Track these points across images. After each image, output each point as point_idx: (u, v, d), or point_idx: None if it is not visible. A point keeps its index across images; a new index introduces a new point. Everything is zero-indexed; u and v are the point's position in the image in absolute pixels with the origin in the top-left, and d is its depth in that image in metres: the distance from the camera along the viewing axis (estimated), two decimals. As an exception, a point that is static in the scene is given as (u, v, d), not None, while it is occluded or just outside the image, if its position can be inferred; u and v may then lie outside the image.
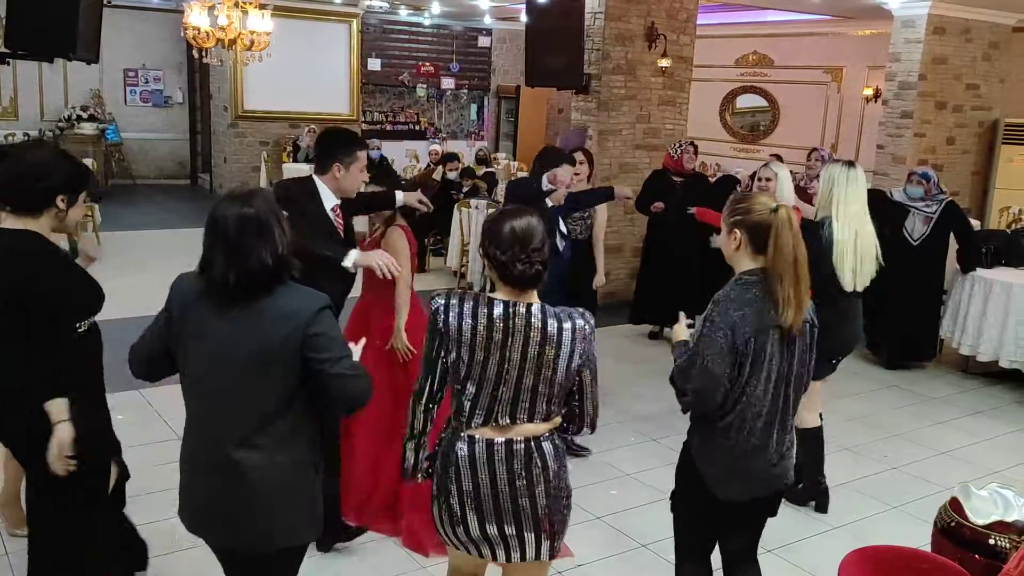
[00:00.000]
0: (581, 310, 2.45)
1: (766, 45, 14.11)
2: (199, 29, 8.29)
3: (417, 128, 16.25)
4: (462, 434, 2.40)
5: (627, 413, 5.57)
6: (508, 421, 2.38)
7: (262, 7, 8.68)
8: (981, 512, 3.02)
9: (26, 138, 12.79)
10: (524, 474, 2.38)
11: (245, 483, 2.26)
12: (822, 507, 4.34)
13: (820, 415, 4.32)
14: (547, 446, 2.41)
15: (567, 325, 2.36)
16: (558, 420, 2.47)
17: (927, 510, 4.01)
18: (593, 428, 2.52)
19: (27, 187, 2.65)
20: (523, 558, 2.45)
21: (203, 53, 8.77)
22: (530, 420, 2.39)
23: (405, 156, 12.98)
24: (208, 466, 2.30)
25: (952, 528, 3.06)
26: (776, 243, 2.53)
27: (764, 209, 2.58)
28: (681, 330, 2.86)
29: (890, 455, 5.14)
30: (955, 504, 3.12)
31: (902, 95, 9.59)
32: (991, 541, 2.94)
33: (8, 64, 5.54)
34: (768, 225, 2.55)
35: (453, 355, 2.35)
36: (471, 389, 2.36)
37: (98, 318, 3.46)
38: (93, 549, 2.92)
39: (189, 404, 2.36)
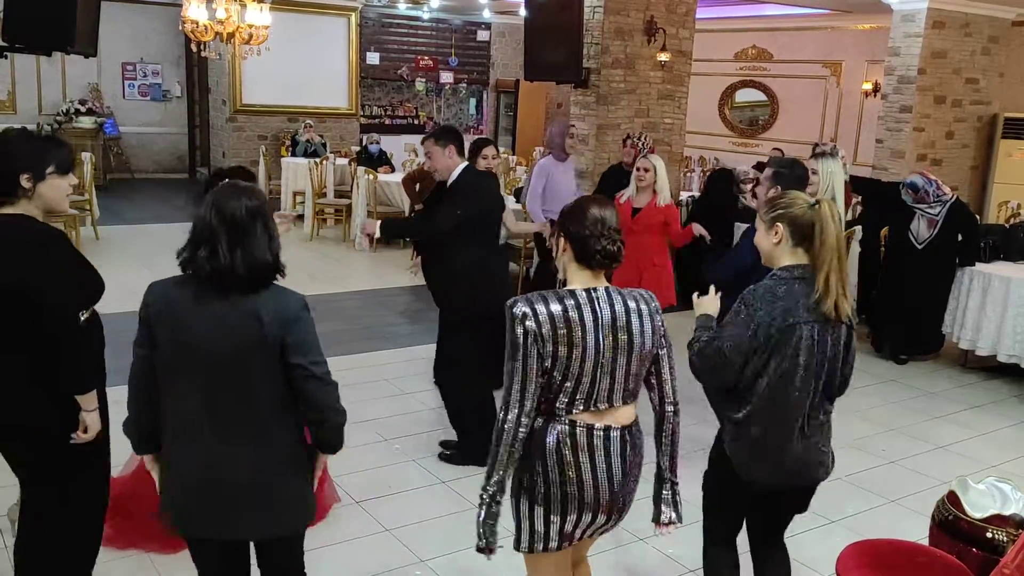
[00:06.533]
0: (644, 290, 2.51)
1: (765, 39, 14.10)
2: (197, 23, 8.27)
3: (416, 122, 16.23)
4: (562, 418, 2.39)
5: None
6: (606, 406, 2.41)
7: (260, 1, 8.66)
8: (978, 506, 3.03)
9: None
10: (628, 461, 2.46)
11: (257, 471, 2.29)
12: None
13: None
14: (635, 430, 2.50)
15: (643, 306, 2.43)
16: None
17: (925, 504, 4.02)
18: (676, 404, 2.56)
19: None
20: (603, 533, 2.59)
21: (201, 47, 8.76)
22: (625, 403, 2.45)
23: (404, 150, 12.97)
24: (217, 464, 2.28)
25: (949, 522, 3.06)
26: (822, 236, 2.60)
27: (806, 204, 2.66)
28: (709, 303, 2.90)
29: (888, 449, 5.15)
30: (952, 498, 3.12)
31: (901, 89, 9.60)
32: (988, 535, 2.95)
33: (6, 58, 5.52)
34: (812, 219, 2.62)
35: (549, 359, 2.32)
36: (569, 384, 2.36)
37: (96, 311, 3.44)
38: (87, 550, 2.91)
39: (182, 404, 2.29)
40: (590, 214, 2.41)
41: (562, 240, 2.45)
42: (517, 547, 2.49)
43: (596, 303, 2.37)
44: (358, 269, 9.41)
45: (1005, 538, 2.90)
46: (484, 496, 2.36)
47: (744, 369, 2.65)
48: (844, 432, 5.31)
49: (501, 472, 2.34)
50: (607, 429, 2.41)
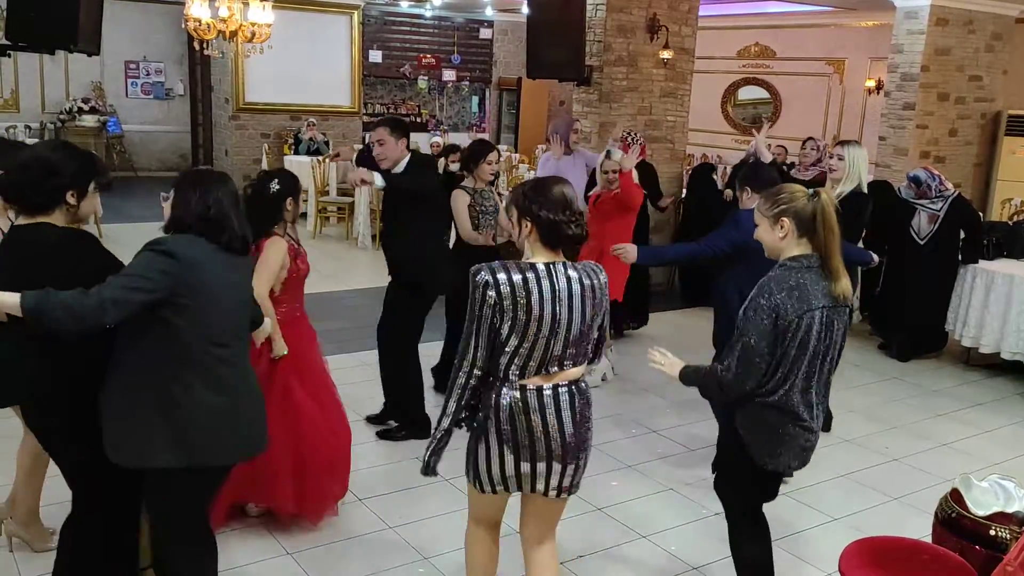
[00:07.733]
0: (593, 264, 2.69)
1: (768, 37, 14.08)
2: (200, 21, 8.26)
3: (418, 120, 16.23)
4: (514, 384, 2.58)
5: (628, 405, 5.58)
6: (557, 369, 2.62)
7: (263, -1, 8.65)
8: (982, 503, 3.03)
9: (27, 131, 12.80)
10: (579, 413, 2.65)
11: (256, 389, 2.85)
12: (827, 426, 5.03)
13: None
14: (583, 385, 2.70)
15: (594, 280, 2.63)
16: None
17: (928, 501, 4.02)
18: (599, 358, 2.84)
19: (35, 187, 2.64)
20: (559, 492, 2.70)
21: (204, 45, 8.75)
22: (576, 365, 2.66)
23: (406, 148, 12.95)
24: (244, 390, 2.75)
25: (953, 519, 3.06)
26: (826, 224, 2.74)
27: (805, 196, 2.80)
28: (676, 361, 3.01)
29: (891, 447, 5.15)
30: (956, 495, 3.12)
31: (904, 87, 9.57)
32: (992, 532, 2.94)
33: (9, 56, 5.53)
34: (815, 209, 2.75)
35: (508, 323, 2.52)
36: (524, 348, 2.55)
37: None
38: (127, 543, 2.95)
39: (211, 347, 2.61)
40: (555, 197, 2.56)
41: (527, 222, 2.59)
42: (467, 475, 2.75)
43: (554, 276, 2.56)
44: (360, 267, 9.41)
45: (1008, 536, 2.90)
46: (436, 434, 2.67)
47: (777, 359, 2.74)
48: (846, 430, 5.32)
49: (451, 419, 2.62)
50: (555, 387, 2.62)
